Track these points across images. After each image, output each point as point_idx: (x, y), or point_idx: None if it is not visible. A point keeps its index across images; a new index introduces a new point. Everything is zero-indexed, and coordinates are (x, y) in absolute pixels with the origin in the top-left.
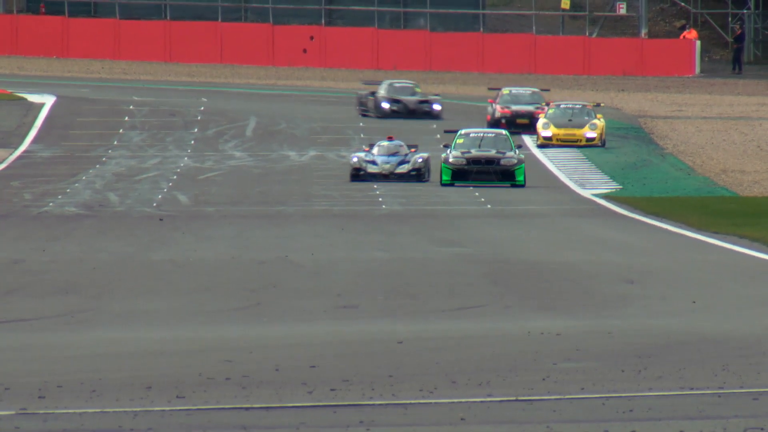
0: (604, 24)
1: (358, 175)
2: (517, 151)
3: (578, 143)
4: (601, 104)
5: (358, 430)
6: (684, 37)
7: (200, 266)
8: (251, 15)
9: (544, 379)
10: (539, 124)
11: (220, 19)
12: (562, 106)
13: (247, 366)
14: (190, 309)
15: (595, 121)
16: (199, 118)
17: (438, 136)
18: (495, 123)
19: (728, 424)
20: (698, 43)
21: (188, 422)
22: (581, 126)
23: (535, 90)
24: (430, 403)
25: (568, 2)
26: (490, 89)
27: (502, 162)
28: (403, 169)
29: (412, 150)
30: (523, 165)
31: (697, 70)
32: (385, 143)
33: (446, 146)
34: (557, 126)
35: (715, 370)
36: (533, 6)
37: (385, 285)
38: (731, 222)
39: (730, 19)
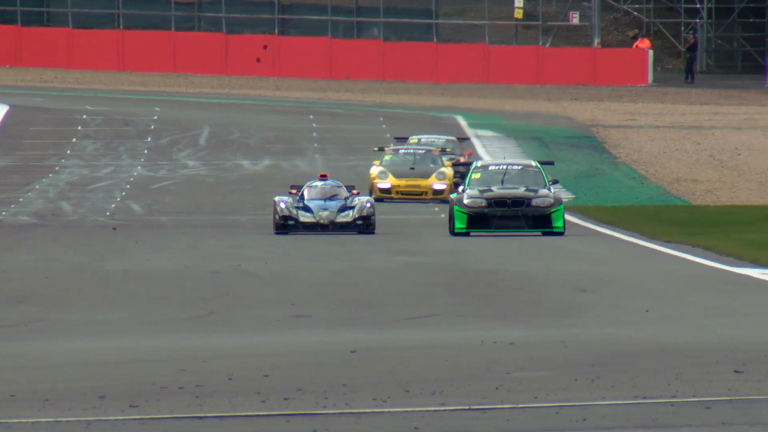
0: (557, 34)
1: (287, 225)
2: (552, 189)
3: (423, 196)
4: (447, 150)
5: None
6: (637, 46)
7: (154, 276)
8: (204, 24)
9: (497, 388)
10: (374, 172)
11: (173, 29)
12: (401, 151)
13: (200, 375)
14: (144, 318)
15: (443, 169)
16: (152, 127)
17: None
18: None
19: None
20: (651, 52)
21: (141, 431)
22: (426, 175)
23: (450, 138)
24: (384, 412)
25: (521, 12)
26: (395, 141)
27: (534, 203)
28: (346, 217)
29: (354, 192)
30: (561, 207)
31: (650, 79)
32: (318, 184)
33: (458, 184)
34: (397, 176)
35: (668, 379)
36: (486, 16)
37: (339, 294)
38: (684, 231)
39: (683, 28)
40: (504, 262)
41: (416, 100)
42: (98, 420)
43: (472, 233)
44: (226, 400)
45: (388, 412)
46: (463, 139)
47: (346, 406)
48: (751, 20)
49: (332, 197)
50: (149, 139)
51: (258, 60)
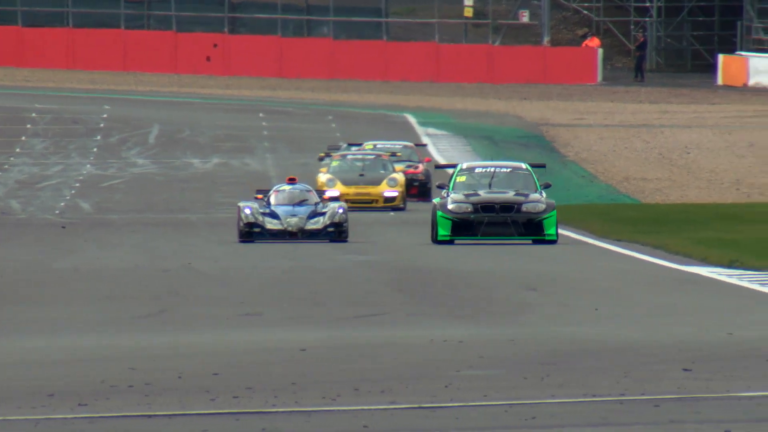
0: (507, 32)
1: (252, 233)
2: (544, 193)
3: (374, 204)
4: (398, 154)
5: None
6: (586, 45)
7: (104, 274)
8: (154, 22)
9: (446, 387)
10: (322, 180)
11: (122, 27)
12: (349, 157)
13: (150, 374)
14: (94, 317)
15: (395, 175)
16: (101, 125)
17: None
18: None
19: (630, 430)
20: (600, 51)
21: (90, 430)
22: (377, 182)
23: (408, 144)
24: (333, 410)
25: (471, 11)
26: (326, 152)
27: (525, 208)
28: (317, 224)
29: (325, 198)
30: (554, 213)
31: (600, 78)
32: (286, 188)
33: (441, 187)
34: (346, 183)
35: (617, 377)
36: (436, 14)
37: (289, 293)
38: (634, 229)
39: (632, 27)
40: (454, 260)
41: (366, 98)
42: (47, 419)
43: (456, 241)
44: (176, 399)
45: (338, 410)
46: (421, 145)
47: (296, 405)
48: (700, 19)
49: (301, 202)
50: (99, 137)
51: (208, 59)
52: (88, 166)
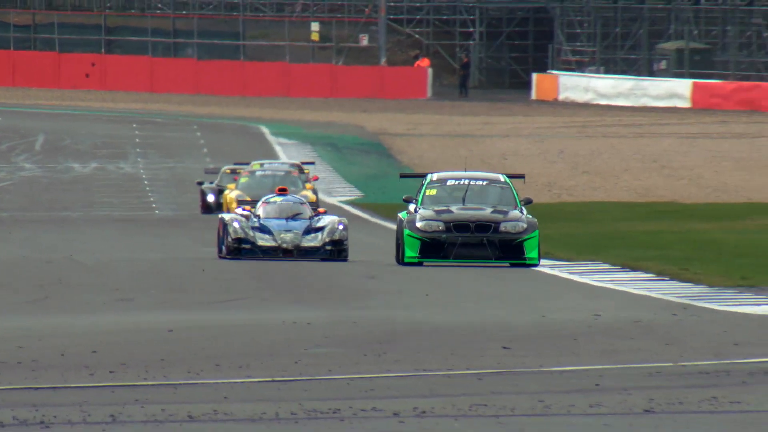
0: (349, 53)
1: (241, 249)
2: (525, 210)
3: None
4: (307, 170)
5: (134, 407)
6: (418, 65)
7: None
8: (40, 44)
9: (296, 363)
10: (232, 197)
11: (12, 48)
12: (258, 173)
13: (36, 352)
14: None
15: (305, 192)
16: None
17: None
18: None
19: (456, 401)
20: (430, 70)
21: None
22: None
23: (294, 162)
24: (197, 383)
25: (317, 35)
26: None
27: (504, 228)
28: (314, 241)
29: (321, 210)
30: (536, 233)
31: (430, 93)
32: (277, 199)
33: (407, 201)
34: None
35: (445, 354)
36: (287, 38)
37: (158, 281)
38: None
39: (457, 49)
40: None
41: (226, 111)
42: None
43: (426, 263)
44: (59, 373)
45: (201, 383)
46: (308, 163)
47: (164, 379)
48: (516, 42)
49: (295, 216)
50: None
51: (87, 75)
52: None
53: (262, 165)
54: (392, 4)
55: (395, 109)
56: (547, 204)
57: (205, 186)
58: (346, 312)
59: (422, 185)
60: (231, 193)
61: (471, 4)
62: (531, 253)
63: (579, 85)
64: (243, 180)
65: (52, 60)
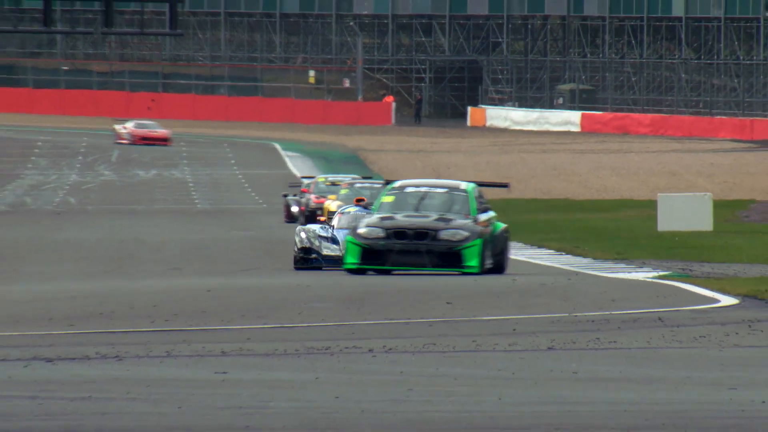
0: (336, 92)
1: (307, 259)
2: (477, 218)
3: None
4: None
5: (183, 345)
6: (385, 101)
7: None
8: (115, 86)
9: (299, 314)
10: (332, 207)
11: (94, 88)
12: (357, 185)
13: (111, 306)
14: None
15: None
16: None
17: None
18: (310, 216)
19: (413, 341)
20: (394, 104)
21: None
22: None
23: (356, 176)
24: (228, 328)
25: (313, 79)
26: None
27: (443, 236)
28: None
29: None
30: (479, 242)
31: (393, 121)
32: (352, 210)
33: (366, 208)
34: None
35: (405, 307)
36: (291, 81)
37: (199, 255)
38: None
39: (413, 89)
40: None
41: (248, 133)
42: None
43: (368, 270)
44: (129, 321)
45: (231, 328)
46: (367, 178)
47: (205, 325)
48: (456, 84)
49: None
50: None
51: (149, 108)
52: None
53: (327, 178)
54: (367, 57)
55: (369, 132)
56: None
57: (290, 198)
58: (335, 278)
59: (381, 192)
60: (332, 204)
61: (423, 57)
62: (470, 261)
63: (500, 115)
64: (343, 191)
65: (123, 97)
